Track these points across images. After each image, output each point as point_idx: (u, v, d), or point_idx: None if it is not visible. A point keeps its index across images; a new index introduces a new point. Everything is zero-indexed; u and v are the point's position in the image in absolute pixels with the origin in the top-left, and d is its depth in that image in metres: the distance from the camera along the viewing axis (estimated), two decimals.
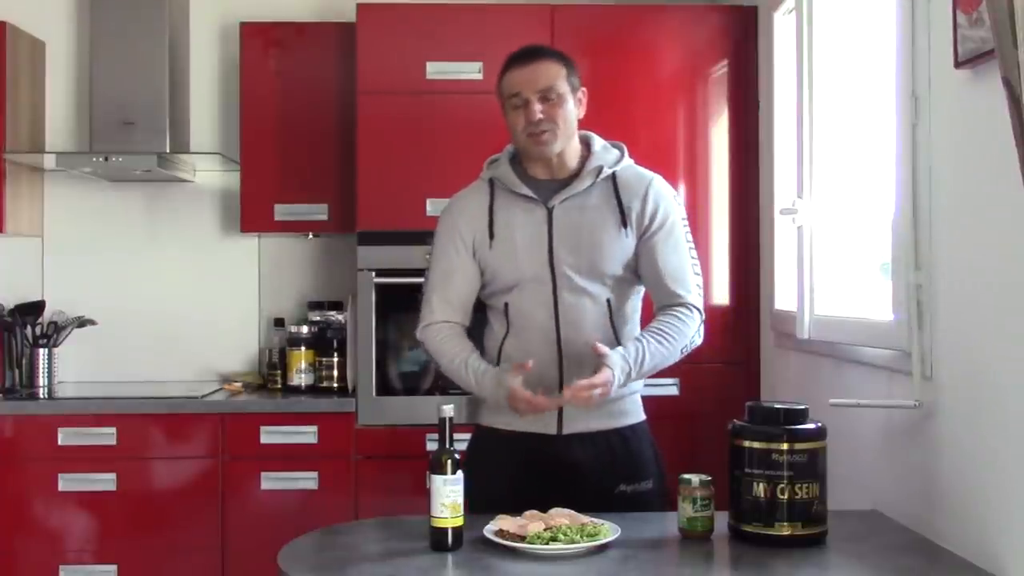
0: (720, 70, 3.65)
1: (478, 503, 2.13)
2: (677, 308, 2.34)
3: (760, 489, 1.98)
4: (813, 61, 2.82)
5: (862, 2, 2.72)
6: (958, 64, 1.95)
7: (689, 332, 2.32)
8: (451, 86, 3.55)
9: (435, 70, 3.55)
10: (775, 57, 3.38)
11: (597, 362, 2.22)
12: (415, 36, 3.57)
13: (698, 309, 2.35)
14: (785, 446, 1.97)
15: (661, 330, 2.30)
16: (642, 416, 2.43)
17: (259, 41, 3.81)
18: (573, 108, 2.35)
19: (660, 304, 2.38)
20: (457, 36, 3.58)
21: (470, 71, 3.55)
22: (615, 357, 2.22)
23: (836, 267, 2.84)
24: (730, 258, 3.63)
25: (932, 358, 2.14)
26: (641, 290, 2.43)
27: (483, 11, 3.61)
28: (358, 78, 3.57)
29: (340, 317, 3.86)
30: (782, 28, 3.34)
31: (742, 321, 3.61)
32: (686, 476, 2.04)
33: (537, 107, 2.29)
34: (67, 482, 3.49)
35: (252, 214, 3.80)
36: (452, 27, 3.58)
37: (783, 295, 3.32)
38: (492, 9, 3.61)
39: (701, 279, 2.40)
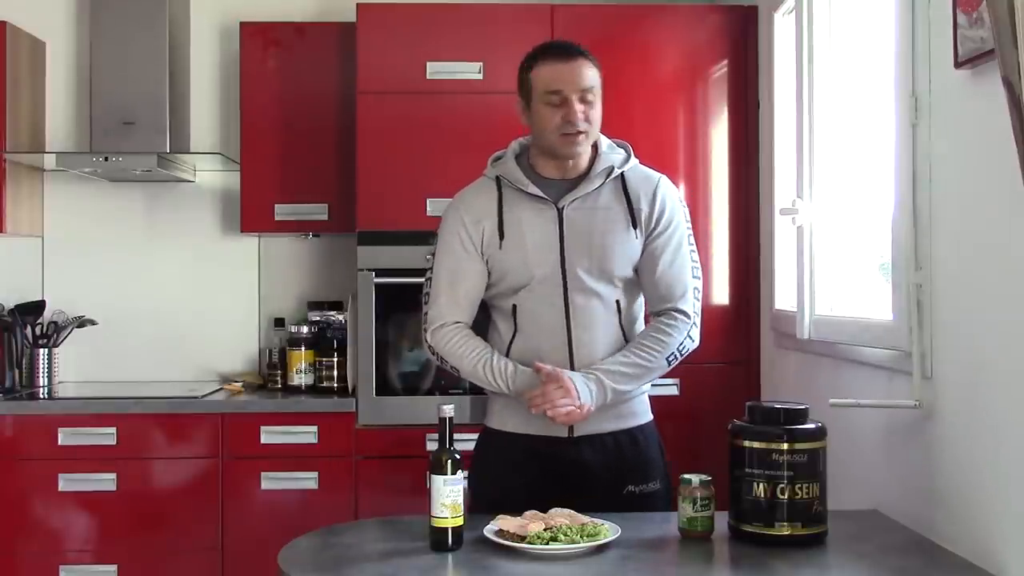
0: (720, 70, 3.65)
1: (486, 504, 2.12)
2: (664, 316, 2.32)
3: (760, 489, 1.97)
4: (813, 61, 2.82)
5: (862, 2, 2.72)
6: (958, 64, 1.95)
7: (674, 342, 2.29)
8: (451, 86, 3.55)
9: (435, 70, 3.55)
10: (775, 57, 3.38)
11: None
12: (415, 36, 3.57)
13: (686, 313, 2.31)
14: (785, 446, 1.97)
15: (644, 345, 2.29)
16: (650, 416, 2.42)
17: (259, 41, 3.81)
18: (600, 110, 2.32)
19: (651, 308, 2.37)
20: (457, 36, 3.58)
21: (470, 71, 3.55)
22: (583, 392, 2.20)
23: (836, 267, 2.83)
24: (730, 258, 3.63)
25: (932, 358, 2.14)
26: None
27: (483, 11, 3.61)
28: (358, 78, 3.57)
29: (340, 317, 3.86)
30: (782, 28, 3.34)
31: (742, 321, 3.61)
32: (686, 476, 2.04)
33: (579, 107, 2.24)
34: (67, 482, 3.49)
35: (252, 214, 3.80)
36: (452, 27, 3.58)
37: (783, 295, 3.32)
38: (492, 9, 3.61)
39: (700, 282, 2.37)
